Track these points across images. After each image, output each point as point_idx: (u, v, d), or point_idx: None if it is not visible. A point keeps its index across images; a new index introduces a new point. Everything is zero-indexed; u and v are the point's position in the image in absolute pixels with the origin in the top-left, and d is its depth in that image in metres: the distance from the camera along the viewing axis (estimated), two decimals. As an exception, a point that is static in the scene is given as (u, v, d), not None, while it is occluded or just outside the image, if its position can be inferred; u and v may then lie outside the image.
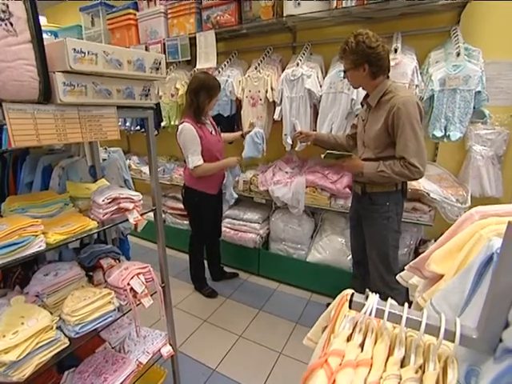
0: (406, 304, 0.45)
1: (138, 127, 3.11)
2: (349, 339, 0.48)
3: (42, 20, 4.23)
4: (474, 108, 1.73)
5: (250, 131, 2.21)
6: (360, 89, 1.90)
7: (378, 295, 0.47)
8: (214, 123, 2.15)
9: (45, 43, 0.71)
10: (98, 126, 0.89)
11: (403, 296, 1.64)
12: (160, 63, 0.97)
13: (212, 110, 2.13)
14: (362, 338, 0.47)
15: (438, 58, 1.86)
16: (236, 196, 2.26)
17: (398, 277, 1.08)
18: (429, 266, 0.75)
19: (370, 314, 0.46)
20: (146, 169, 3.28)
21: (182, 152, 2.02)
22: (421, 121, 1.42)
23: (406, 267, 0.92)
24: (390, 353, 0.45)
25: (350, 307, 0.48)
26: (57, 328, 0.94)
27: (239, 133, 2.31)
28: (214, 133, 2.07)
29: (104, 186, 1.17)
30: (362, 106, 1.67)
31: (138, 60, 0.90)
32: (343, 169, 1.68)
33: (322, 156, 1.57)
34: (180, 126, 1.94)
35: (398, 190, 1.57)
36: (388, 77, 1.52)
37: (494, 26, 1.87)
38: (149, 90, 1.00)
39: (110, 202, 1.04)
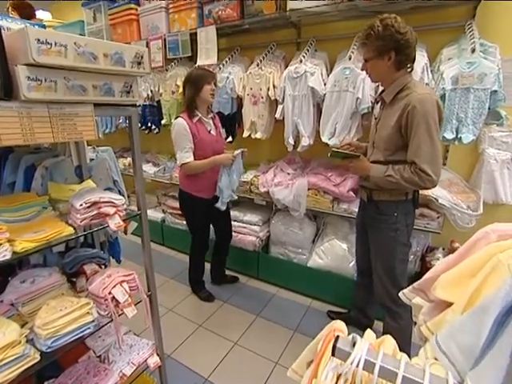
0: (404, 357, 0.36)
1: (139, 124, 3.04)
2: (332, 390, 0.40)
3: (47, 16, 4.23)
4: (489, 109, 1.60)
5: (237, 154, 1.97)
6: (366, 87, 1.82)
7: (367, 343, 0.38)
8: (217, 122, 2.05)
9: (4, 33, 0.63)
10: (72, 125, 0.82)
11: (410, 312, 1.53)
12: (142, 57, 0.89)
13: (210, 104, 1.98)
14: (348, 391, 0.38)
15: (451, 55, 1.73)
16: (235, 198, 2.11)
17: (400, 294, 0.98)
18: (435, 291, 0.65)
19: (358, 366, 0.37)
20: (146, 167, 3.22)
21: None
22: (440, 122, 1.27)
23: (409, 288, 0.82)
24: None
25: (332, 354, 0.39)
26: (28, 341, 0.88)
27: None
28: (213, 132, 1.98)
29: (86, 188, 1.10)
30: (377, 102, 1.51)
31: (116, 54, 0.82)
32: (349, 170, 1.53)
33: (329, 154, 1.44)
34: (173, 122, 1.89)
35: (408, 199, 1.42)
36: (411, 71, 1.35)
37: (513, 21, 1.73)
38: (131, 86, 0.92)
39: (89, 207, 0.97)
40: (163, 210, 3.20)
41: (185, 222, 2.97)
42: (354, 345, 0.38)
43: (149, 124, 2.98)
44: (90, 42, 0.77)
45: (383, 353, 0.37)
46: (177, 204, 3.01)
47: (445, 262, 0.73)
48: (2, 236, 0.77)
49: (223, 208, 2.01)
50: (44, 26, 1.24)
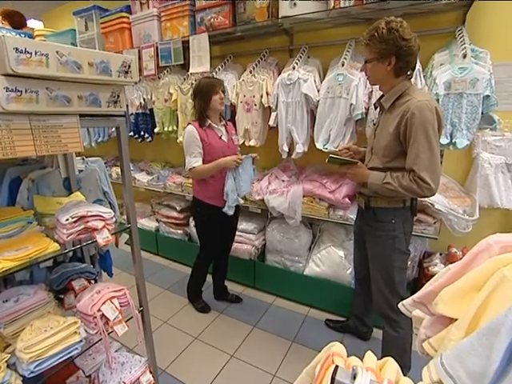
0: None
1: (132, 133, 3.01)
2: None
3: (38, 25, 4.21)
4: (482, 113, 1.60)
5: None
6: (360, 93, 1.81)
7: (369, 376, 0.35)
8: (230, 129, 2.01)
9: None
10: (56, 137, 0.78)
11: (410, 321, 1.50)
12: (129, 66, 0.86)
13: (220, 112, 1.95)
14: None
15: (443, 61, 1.74)
16: (241, 202, 2.03)
17: (400, 306, 0.94)
18: (436, 307, 0.62)
19: (360, 401, 0.34)
20: (140, 176, 3.18)
21: None
22: (439, 129, 1.25)
23: (408, 300, 0.79)
24: None
25: (332, 387, 0.36)
26: (10, 366, 0.83)
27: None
28: (224, 138, 1.94)
29: (73, 201, 1.06)
30: (375, 107, 1.49)
31: (101, 62, 0.79)
32: (346, 177, 1.50)
33: (326, 160, 1.40)
34: (185, 129, 1.89)
35: (406, 206, 1.39)
36: (410, 78, 1.34)
37: (503, 26, 1.75)
38: (118, 96, 0.89)
39: (75, 221, 0.93)
40: (157, 219, 3.15)
41: (179, 231, 2.95)
42: (354, 377, 0.35)
43: (141, 132, 2.95)
44: (74, 51, 0.74)
45: (388, 381, 0.33)
46: (171, 213, 2.98)
47: (445, 275, 0.70)
48: (-20, 255, 0.73)
49: (230, 212, 1.94)
50: (31, 36, 1.20)
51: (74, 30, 3.24)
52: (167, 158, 3.36)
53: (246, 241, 2.46)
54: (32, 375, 0.83)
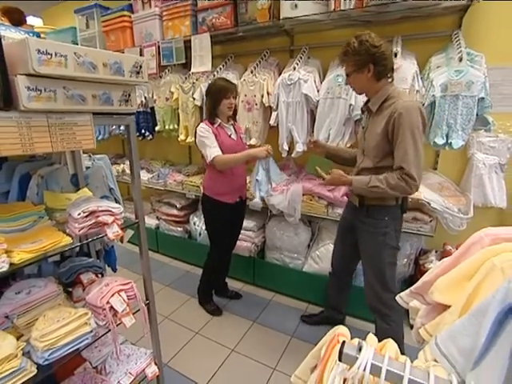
0: (408, 361, 0.37)
1: (126, 132, 3.02)
2: (339, 395, 0.40)
3: (38, 22, 4.20)
4: (477, 115, 1.66)
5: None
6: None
7: (373, 348, 0.40)
8: (238, 128, 2.05)
9: (3, 42, 0.63)
10: (71, 134, 0.82)
11: (402, 315, 1.56)
12: (141, 67, 0.90)
13: (228, 116, 1.96)
14: (355, 396, 0.39)
15: (440, 63, 1.79)
16: (271, 194, 2.03)
17: (397, 297, 1.00)
18: (432, 295, 0.67)
19: (364, 370, 0.38)
20: (141, 173, 3.20)
21: (202, 156, 1.93)
22: (423, 129, 1.32)
23: (406, 291, 0.84)
24: (389, 416, 0.38)
25: (339, 359, 0.40)
26: (24, 354, 0.86)
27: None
28: (233, 136, 1.97)
29: (83, 197, 1.09)
30: (363, 112, 1.57)
31: (115, 63, 0.83)
32: (323, 182, 1.56)
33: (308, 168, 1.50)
34: (196, 129, 1.92)
35: (397, 204, 1.46)
36: (392, 80, 1.43)
37: (497, 31, 1.80)
38: (129, 95, 0.93)
39: (86, 216, 0.97)
40: (157, 217, 3.18)
41: (179, 229, 2.99)
42: (359, 350, 0.39)
43: (142, 130, 2.97)
44: (90, 52, 0.77)
45: (389, 357, 0.38)
46: (171, 210, 3.01)
47: (441, 266, 0.75)
48: (0, 247, 0.76)
49: (260, 204, 1.95)
50: (38, 35, 1.23)
51: (75, 28, 3.26)
52: (167, 156, 3.39)
53: (245, 238, 2.50)
54: (46, 363, 0.87)
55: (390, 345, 0.49)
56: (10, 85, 0.66)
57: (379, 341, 0.53)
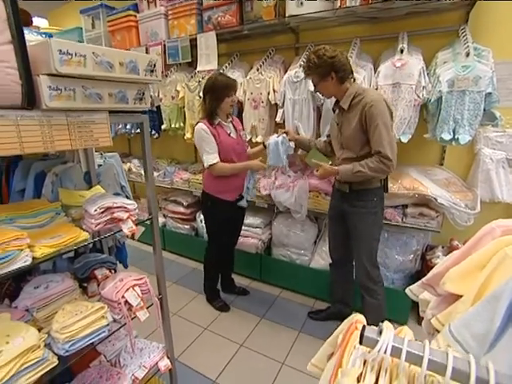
0: (427, 342, 0.39)
1: (139, 130, 3.06)
2: (359, 378, 0.42)
3: (44, 23, 4.23)
4: (485, 110, 1.66)
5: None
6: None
7: (393, 330, 0.41)
8: (236, 124, 2.04)
9: (28, 44, 0.65)
10: (89, 132, 0.84)
11: (383, 288, 1.78)
12: (155, 65, 0.92)
13: (229, 113, 1.97)
14: (375, 378, 0.41)
15: (446, 59, 1.79)
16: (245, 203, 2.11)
17: (407, 290, 1.01)
18: (444, 285, 0.69)
19: (385, 352, 0.40)
20: (146, 172, 3.23)
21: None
22: (391, 118, 1.51)
23: (417, 283, 0.85)
24: (408, 396, 0.40)
25: (360, 342, 0.42)
26: (45, 346, 0.89)
27: (260, 147, 2.08)
28: (233, 135, 1.97)
29: (98, 193, 1.12)
30: (334, 111, 1.73)
31: (130, 62, 0.85)
32: (315, 175, 1.74)
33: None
34: (194, 128, 1.90)
35: (381, 185, 1.66)
36: (354, 80, 1.62)
37: (504, 25, 1.80)
38: (143, 93, 0.95)
39: (102, 212, 0.99)
40: (164, 215, 3.21)
41: (186, 226, 3.02)
42: (379, 333, 0.41)
43: (148, 129, 2.99)
44: (107, 52, 0.79)
45: (408, 339, 0.40)
46: (178, 208, 3.04)
47: (451, 258, 0.77)
48: (24, 242, 0.79)
49: (245, 204, 2.09)
50: (51, 36, 1.25)
51: (81, 28, 3.28)
52: (173, 154, 3.42)
53: (252, 235, 2.52)
54: (66, 354, 0.90)
55: (406, 330, 0.50)
56: (33, 85, 0.69)
57: (366, 317, 0.55)
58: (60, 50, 0.68)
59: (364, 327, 0.42)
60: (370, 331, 0.41)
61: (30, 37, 1.22)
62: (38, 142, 0.73)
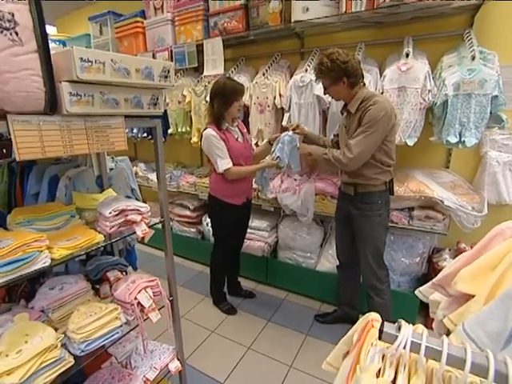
0: (445, 338, 0.40)
1: (145, 134, 3.10)
2: (377, 374, 0.43)
3: (52, 30, 4.32)
4: (491, 113, 1.66)
5: (277, 137, 1.90)
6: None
7: (411, 326, 0.43)
8: (242, 128, 2.05)
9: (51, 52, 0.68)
10: (105, 136, 0.86)
11: (390, 288, 1.81)
12: (169, 71, 0.95)
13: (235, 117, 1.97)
14: (394, 373, 0.42)
15: (451, 62, 1.81)
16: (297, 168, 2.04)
17: (416, 292, 1.02)
18: (456, 285, 0.70)
19: (404, 348, 0.41)
20: (152, 176, 3.26)
21: (208, 159, 1.97)
22: (388, 122, 1.51)
23: (427, 284, 0.86)
24: (427, 391, 0.41)
25: (379, 338, 0.43)
26: (62, 346, 0.91)
27: (265, 141, 2.09)
28: (240, 139, 1.98)
29: (111, 197, 1.14)
30: (342, 113, 1.76)
31: (146, 68, 0.87)
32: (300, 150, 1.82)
33: None
34: (203, 133, 1.90)
35: (386, 188, 1.68)
36: (364, 85, 1.64)
37: (510, 29, 1.81)
38: (157, 98, 0.97)
39: (117, 215, 1.01)
40: (170, 218, 3.23)
41: (192, 230, 3.04)
42: (398, 329, 0.42)
43: (155, 133, 3.03)
44: (124, 59, 0.82)
45: (426, 336, 0.41)
46: (184, 212, 3.07)
47: (463, 259, 0.78)
48: (43, 244, 0.81)
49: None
50: (64, 43, 1.29)
51: (89, 35, 3.35)
52: (179, 158, 3.45)
53: (258, 238, 2.53)
54: (82, 354, 0.91)
55: (422, 327, 0.51)
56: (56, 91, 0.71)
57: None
58: (81, 58, 0.71)
59: (383, 323, 0.43)
60: (390, 327, 0.43)
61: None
62: (59, 147, 0.75)
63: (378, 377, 0.43)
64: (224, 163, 1.86)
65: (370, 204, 1.67)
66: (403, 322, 0.43)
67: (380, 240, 1.73)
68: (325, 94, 1.72)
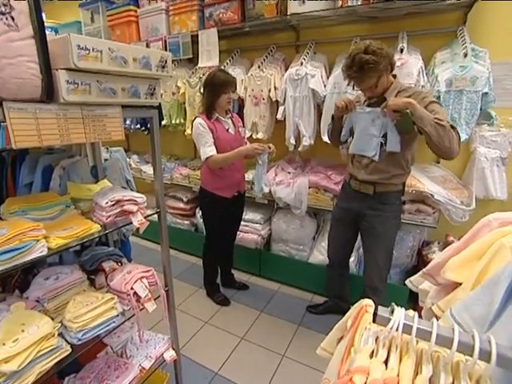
0: (435, 320, 0.43)
1: (138, 125, 3.06)
2: (371, 355, 0.46)
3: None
4: (481, 109, 1.71)
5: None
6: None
7: (403, 309, 0.45)
8: (236, 121, 2.04)
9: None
10: (102, 126, 0.86)
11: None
12: (166, 61, 0.94)
13: (227, 109, 1.96)
14: (386, 353, 0.44)
15: (444, 59, 1.84)
16: (266, 190, 2.09)
17: (407, 282, 1.06)
18: (444, 274, 0.73)
19: (397, 330, 0.43)
20: (146, 168, 3.24)
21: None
22: None
23: (418, 274, 0.90)
24: (417, 370, 0.43)
25: (374, 321, 0.46)
26: (58, 335, 0.91)
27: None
28: (231, 131, 1.97)
29: (106, 187, 1.14)
30: (369, 105, 1.56)
31: (143, 58, 0.87)
32: (389, 106, 1.39)
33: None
34: (193, 122, 1.91)
35: (402, 189, 1.65)
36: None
37: (501, 27, 1.85)
38: (154, 88, 0.97)
39: (113, 205, 1.01)
40: (163, 211, 3.22)
41: (186, 222, 3.04)
42: (391, 312, 0.45)
43: (148, 125, 2.99)
44: (122, 47, 0.81)
45: (418, 318, 0.43)
46: (177, 204, 3.06)
47: (451, 249, 0.81)
48: (40, 233, 0.81)
49: (259, 195, 2.11)
50: (57, 30, 1.27)
51: (80, 22, 3.26)
52: (173, 150, 3.43)
53: (252, 230, 2.55)
54: (79, 343, 0.92)
55: (412, 312, 0.54)
56: (52, 79, 0.71)
57: None
58: (79, 45, 0.70)
59: (377, 307, 0.46)
60: (383, 310, 0.45)
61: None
62: (55, 135, 0.75)
63: (371, 358, 0.45)
64: (207, 150, 1.85)
65: (388, 205, 1.61)
66: (396, 307, 0.45)
67: (392, 242, 1.70)
68: (369, 93, 1.50)
